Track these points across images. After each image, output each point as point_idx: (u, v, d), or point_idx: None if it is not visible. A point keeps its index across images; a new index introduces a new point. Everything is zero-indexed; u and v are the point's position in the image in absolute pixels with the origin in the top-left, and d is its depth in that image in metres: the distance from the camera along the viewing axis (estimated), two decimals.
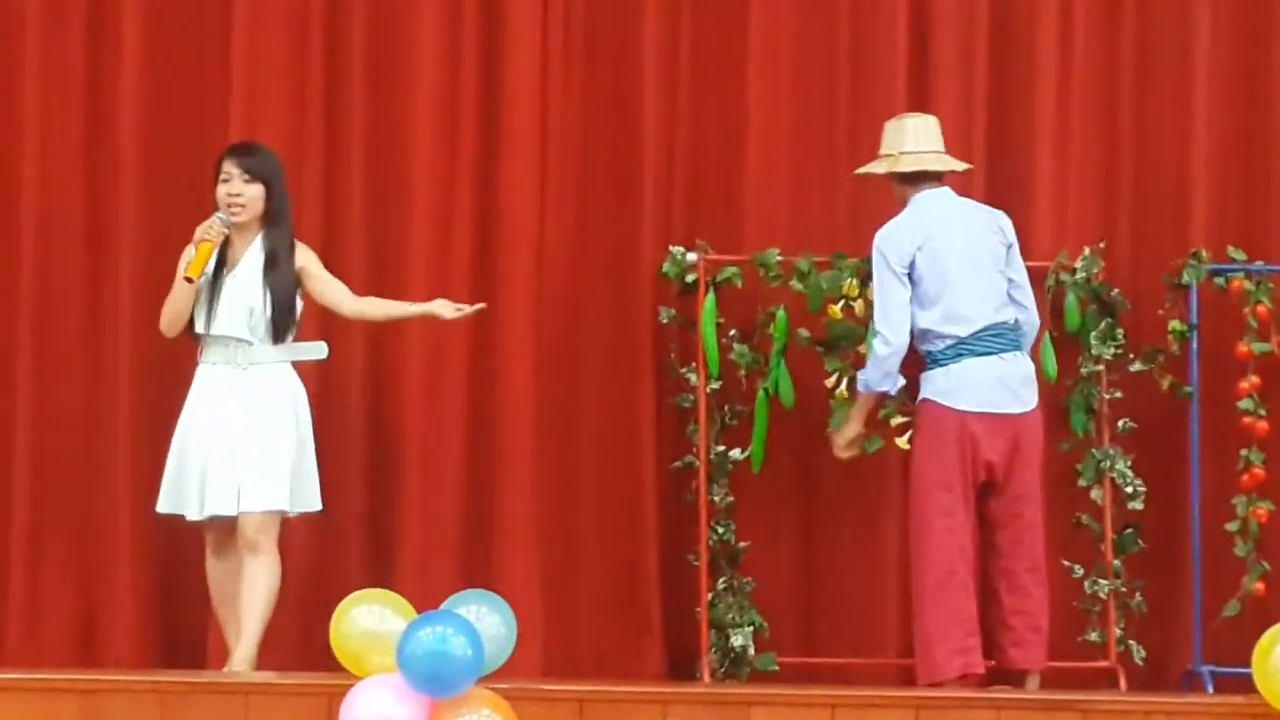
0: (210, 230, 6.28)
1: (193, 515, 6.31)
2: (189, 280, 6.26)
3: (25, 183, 6.94)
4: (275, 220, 6.38)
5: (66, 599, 6.86)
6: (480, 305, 6.45)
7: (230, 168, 6.36)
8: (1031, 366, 6.60)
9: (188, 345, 6.41)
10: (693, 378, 6.89)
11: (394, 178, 7.00)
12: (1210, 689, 6.69)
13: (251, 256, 6.36)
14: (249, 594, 6.29)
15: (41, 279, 6.92)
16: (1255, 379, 6.91)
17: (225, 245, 6.33)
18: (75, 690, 5.99)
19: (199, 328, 6.36)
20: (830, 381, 6.86)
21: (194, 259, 6.26)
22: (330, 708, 5.82)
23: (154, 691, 5.98)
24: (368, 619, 5.97)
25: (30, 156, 6.93)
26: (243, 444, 6.26)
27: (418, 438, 6.94)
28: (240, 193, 6.33)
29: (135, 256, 6.87)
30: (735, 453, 6.86)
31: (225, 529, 6.32)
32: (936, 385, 6.54)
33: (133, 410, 6.85)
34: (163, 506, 6.36)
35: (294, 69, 7.00)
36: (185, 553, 6.63)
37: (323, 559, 6.70)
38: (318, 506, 6.40)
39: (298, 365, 6.39)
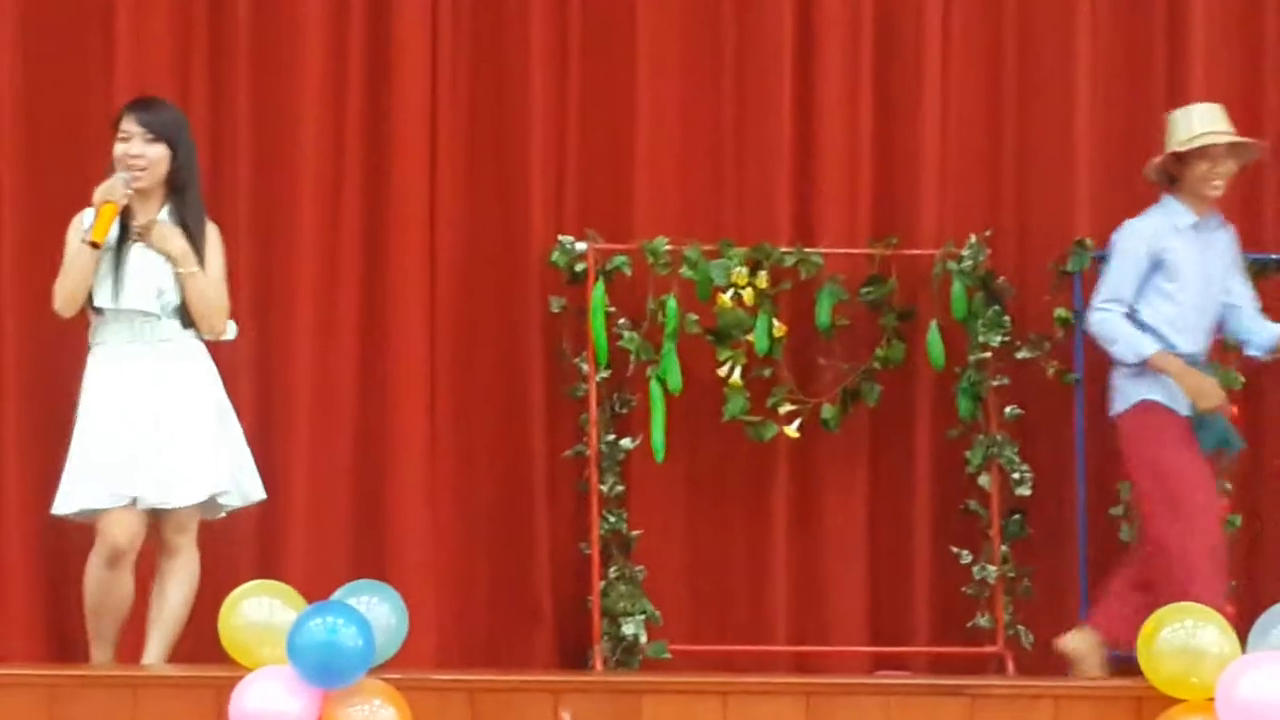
0: (112, 191, 5.92)
1: (99, 504, 5.97)
2: (94, 245, 5.87)
3: None
4: (183, 185, 6.03)
5: None
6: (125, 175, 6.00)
7: (130, 125, 5.99)
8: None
9: (72, 332, 6.19)
10: (583, 367, 6.89)
11: (280, 169, 6.94)
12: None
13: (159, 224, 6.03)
14: (164, 600, 6.09)
15: None
16: None
17: (126, 213, 5.95)
18: None
19: (101, 301, 5.97)
20: (723, 371, 6.88)
21: (96, 222, 5.87)
22: (220, 700, 5.80)
23: (44, 685, 5.95)
24: (257, 611, 5.95)
25: None
26: (165, 428, 5.98)
27: (306, 425, 6.90)
28: (141, 153, 5.97)
29: (16, 237, 6.74)
30: (626, 442, 6.87)
31: (129, 527, 6.01)
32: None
33: (19, 403, 6.75)
34: (63, 507, 6.04)
35: (179, 46, 6.90)
36: (77, 547, 6.57)
37: (211, 549, 6.64)
38: (261, 496, 6.20)
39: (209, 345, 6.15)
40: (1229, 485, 6.94)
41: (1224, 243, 6.62)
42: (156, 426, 6.01)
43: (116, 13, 6.88)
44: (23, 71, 6.87)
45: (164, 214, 6.06)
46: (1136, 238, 6.54)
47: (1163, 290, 6.51)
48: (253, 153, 6.95)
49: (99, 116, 6.53)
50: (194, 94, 6.89)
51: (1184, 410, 6.45)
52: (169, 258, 5.96)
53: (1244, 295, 6.65)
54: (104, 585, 6.08)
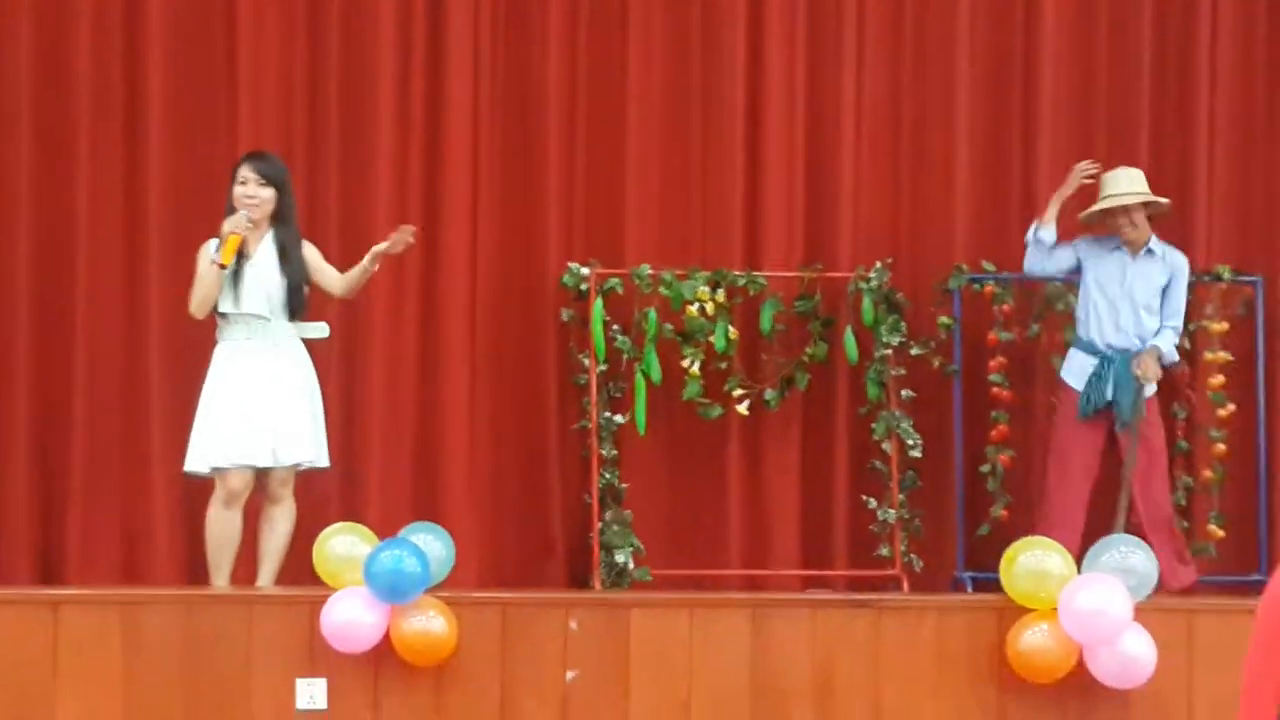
0: (237, 225, 5.89)
1: (221, 465, 5.96)
2: (222, 266, 5.84)
3: (77, 202, 6.80)
4: (284, 218, 6.00)
5: (113, 530, 6.78)
6: (409, 227, 6.13)
7: (247, 173, 5.97)
8: None
9: (201, 333, 6.19)
10: (586, 362, 6.89)
11: (360, 207, 6.90)
12: (970, 589, 6.72)
13: (265, 248, 6.03)
14: (272, 536, 6.07)
15: (92, 281, 6.80)
16: (1002, 359, 6.95)
17: (243, 243, 5.92)
18: (118, 603, 5.96)
19: (224, 308, 5.96)
20: (685, 363, 6.87)
21: (225, 248, 5.83)
22: (314, 614, 5.82)
23: (182, 602, 5.96)
24: (342, 546, 5.97)
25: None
26: (273, 406, 5.97)
27: (380, 405, 6.87)
28: (255, 195, 5.96)
29: (161, 258, 6.71)
30: (618, 418, 6.85)
31: (244, 481, 6.03)
32: None
33: (161, 385, 6.71)
34: (194, 466, 6.04)
35: (284, 93, 6.88)
36: (204, 497, 6.58)
37: (307, 499, 6.65)
38: (327, 463, 6.18)
39: (306, 342, 6.15)
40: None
41: (1149, 268, 6.55)
42: (266, 404, 6.01)
43: (239, 84, 6.86)
44: (170, 126, 6.83)
45: (269, 239, 6.04)
46: None
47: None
48: (340, 194, 6.91)
49: (223, 162, 6.54)
50: (296, 151, 6.86)
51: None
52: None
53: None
54: (220, 524, 6.07)
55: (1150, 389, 6.48)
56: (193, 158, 6.80)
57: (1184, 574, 6.51)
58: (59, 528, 6.76)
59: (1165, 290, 6.54)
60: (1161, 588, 6.16)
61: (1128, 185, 6.53)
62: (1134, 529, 6.39)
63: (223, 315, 6.03)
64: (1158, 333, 6.50)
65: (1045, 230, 6.56)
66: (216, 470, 6.04)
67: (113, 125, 6.83)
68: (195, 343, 6.32)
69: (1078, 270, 6.59)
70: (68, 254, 6.80)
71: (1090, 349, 6.53)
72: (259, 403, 5.98)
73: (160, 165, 6.80)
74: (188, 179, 6.78)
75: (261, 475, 6.09)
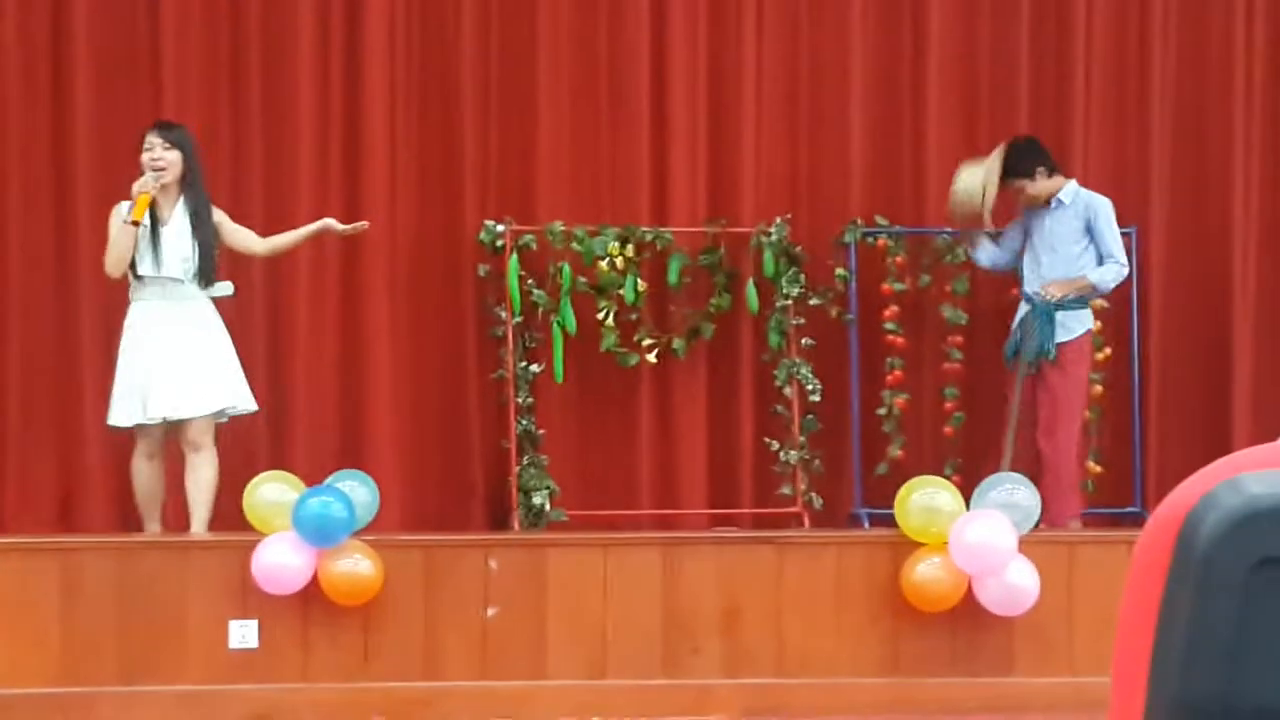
0: (145, 185, 5.89)
1: (139, 420, 6.00)
2: (134, 224, 5.85)
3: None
4: (193, 183, 6.02)
5: (49, 481, 6.73)
6: (363, 224, 6.23)
7: (153, 139, 5.99)
8: None
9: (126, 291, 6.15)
10: (502, 314, 6.88)
11: (283, 173, 6.86)
12: (867, 525, 6.77)
13: (178, 214, 6.04)
14: (197, 486, 6.05)
15: (23, 243, 6.73)
16: (895, 309, 6.99)
17: (154, 205, 5.93)
18: (55, 550, 5.92)
19: (143, 270, 5.97)
20: (601, 315, 6.88)
21: (135, 205, 5.84)
22: (245, 558, 5.81)
23: (117, 549, 5.93)
24: (270, 492, 5.96)
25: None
26: (185, 363, 5.98)
27: (304, 357, 6.83)
28: (161, 158, 5.96)
29: (92, 222, 6.62)
30: (534, 367, 6.85)
31: (161, 433, 6.06)
32: (1091, 318, 6.55)
33: (93, 344, 6.67)
34: (115, 420, 6.08)
35: (208, 72, 6.83)
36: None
37: (237, 448, 6.62)
38: (254, 406, 6.17)
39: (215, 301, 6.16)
40: (956, 390, 7.01)
41: (1064, 216, 6.61)
42: (179, 359, 6.00)
43: (163, 59, 6.79)
44: (96, 102, 6.77)
45: (180, 205, 6.06)
46: None
47: None
48: (263, 160, 6.86)
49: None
50: (219, 120, 6.83)
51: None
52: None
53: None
54: (143, 475, 6.14)
55: (1064, 334, 6.51)
56: (119, 128, 6.70)
57: (1069, 509, 6.56)
58: None
59: (1092, 235, 6.59)
60: (1049, 524, 6.27)
61: (966, 182, 6.56)
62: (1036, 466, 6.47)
63: (139, 277, 6.03)
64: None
65: (978, 253, 6.63)
66: (137, 425, 6.04)
67: (40, 111, 6.75)
68: (122, 301, 6.27)
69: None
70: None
71: (1027, 299, 6.60)
72: (172, 359, 5.98)
73: (87, 142, 6.73)
74: (114, 149, 6.68)
75: (182, 426, 6.07)
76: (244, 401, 6.16)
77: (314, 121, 6.88)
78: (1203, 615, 1.36)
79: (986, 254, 6.74)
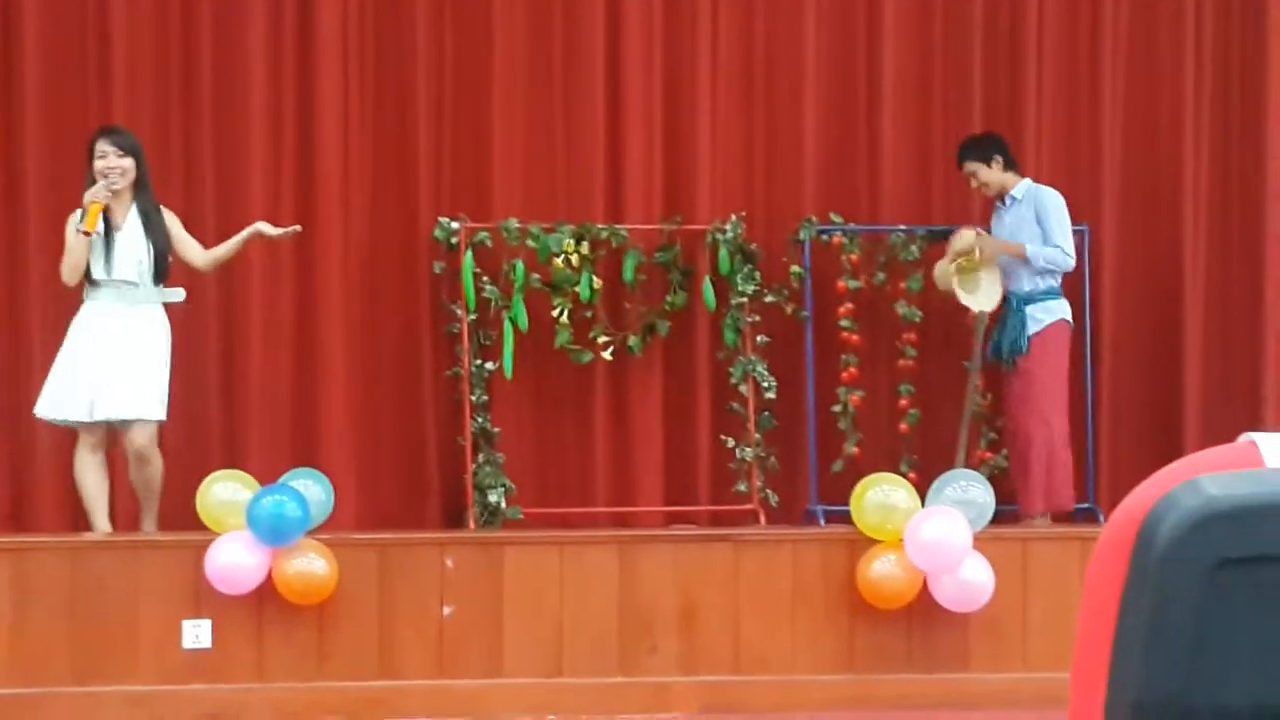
0: (97, 194, 5.89)
1: (81, 418, 5.96)
2: (86, 234, 5.85)
3: None
4: (144, 186, 6.04)
5: (1, 485, 6.68)
6: (296, 227, 6.22)
7: (105, 146, 5.99)
8: None
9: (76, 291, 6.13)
10: (458, 311, 6.87)
11: (235, 175, 6.83)
12: (823, 522, 6.77)
13: (131, 218, 6.05)
14: (146, 486, 6.05)
15: None
16: (850, 306, 7.00)
17: (107, 211, 5.96)
18: (7, 549, 5.87)
19: (96, 274, 5.97)
20: (556, 312, 6.88)
21: (88, 216, 5.84)
22: (198, 557, 5.78)
23: (69, 548, 5.88)
24: (224, 491, 5.93)
25: None
26: (135, 365, 5.95)
27: (259, 355, 6.80)
28: (116, 165, 5.97)
29: (41, 227, 6.60)
30: (489, 365, 6.84)
31: (104, 432, 6.04)
32: (1064, 309, 6.56)
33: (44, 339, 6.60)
34: (45, 411, 6.03)
35: (159, 71, 6.79)
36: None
37: (189, 448, 6.59)
38: (163, 416, 6.08)
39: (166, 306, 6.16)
40: (912, 387, 7.04)
41: (1017, 212, 6.66)
42: (125, 362, 5.98)
43: (113, 60, 6.74)
44: (45, 104, 6.73)
45: (133, 210, 6.06)
46: None
47: None
48: (214, 159, 6.82)
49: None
50: (172, 120, 6.79)
51: None
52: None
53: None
54: (86, 472, 6.08)
55: (1034, 326, 6.54)
56: (69, 130, 6.66)
57: (1049, 501, 6.55)
58: None
59: (1041, 227, 6.63)
60: (1024, 516, 6.33)
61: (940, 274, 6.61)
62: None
63: (93, 281, 6.02)
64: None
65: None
66: (80, 424, 6.01)
67: None
68: (71, 302, 6.24)
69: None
70: None
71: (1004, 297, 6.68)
72: (118, 361, 5.96)
73: (36, 144, 6.68)
74: (64, 151, 6.64)
75: (125, 427, 6.05)
76: (159, 410, 6.05)
77: (266, 119, 6.85)
78: (1162, 616, 1.37)
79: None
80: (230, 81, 6.84)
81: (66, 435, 6.44)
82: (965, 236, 6.61)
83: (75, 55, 6.77)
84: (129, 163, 6.03)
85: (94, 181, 5.99)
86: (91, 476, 6.08)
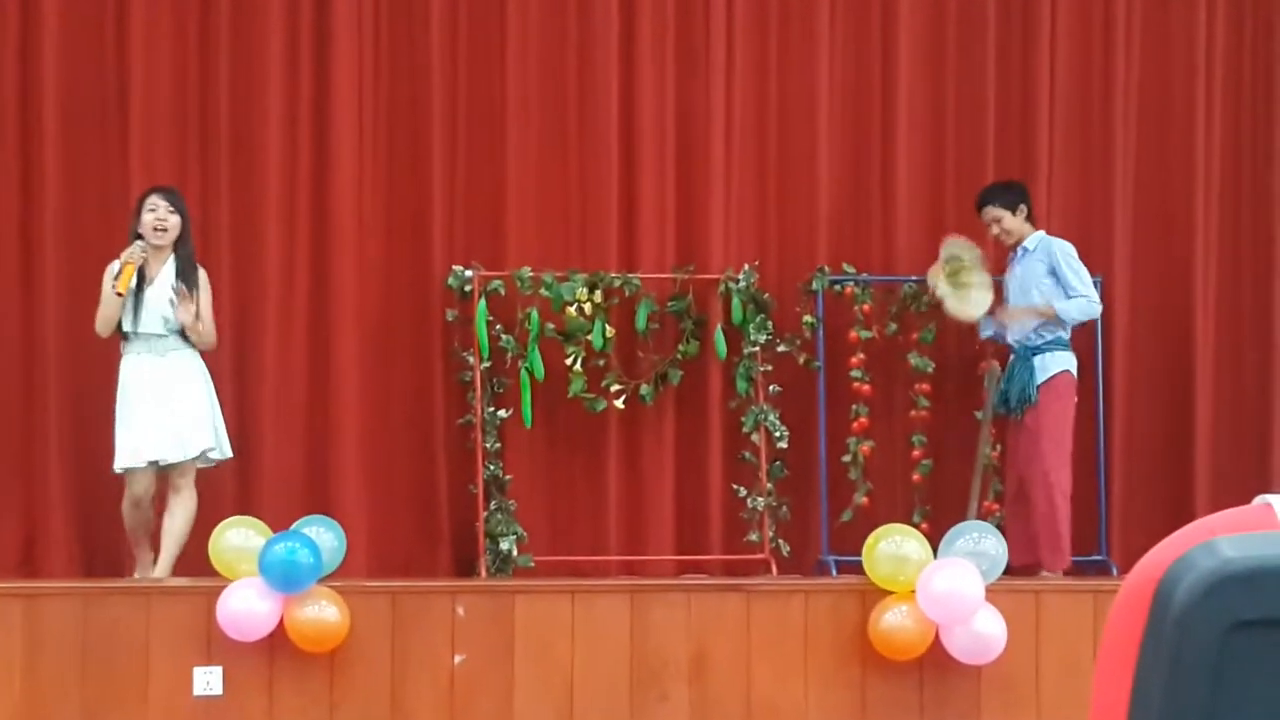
0: (133, 255, 6.10)
1: (129, 465, 6.12)
2: (119, 294, 6.07)
3: None
4: (184, 243, 6.24)
5: (14, 530, 6.70)
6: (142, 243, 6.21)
7: (157, 200, 6.20)
8: None
9: (93, 344, 6.29)
10: (471, 359, 6.88)
11: (252, 224, 6.87)
12: (834, 572, 6.77)
13: (165, 271, 6.21)
14: (172, 523, 6.15)
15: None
16: (862, 356, 7.01)
17: (142, 267, 6.15)
18: (20, 595, 5.88)
19: (125, 327, 6.17)
20: (569, 360, 6.89)
21: (121, 276, 6.06)
22: (210, 603, 5.77)
23: (81, 594, 5.88)
24: (236, 538, 5.93)
25: None
26: (168, 410, 6.11)
27: (272, 403, 6.82)
28: (166, 220, 6.18)
29: (58, 281, 6.69)
30: (502, 412, 6.84)
31: (150, 477, 6.18)
32: (1070, 360, 6.54)
33: (60, 393, 6.71)
34: (120, 462, 6.15)
35: (176, 123, 6.84)
36: (101, 494, 6.53)
37: (204, 494, 6.59)
38: (230, 454, 6.31)
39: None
40: (924, 437, 7.05)
41: (1029, 263, 6.66)
42: (162, 408, 6.12)
43: (131, 110, 6.80)
44: (64, 155, 6.78)
45: (171, 261, 6.23)
46: None
47: None
48: (230, 205, 6.86)
49: (120, 188, 6.60)
50: (190, 171, 6.84)
51: None
52: (184, 324, 6.19)
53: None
54: (131, 515, 6.25)
55: (1041, 375, 6.54)
56: (87, 181, 6.75)
57: (1060, 559, 6.50)
58: None
59: (1058, 278, 6.62)
60: (1016, 570, 6.29)
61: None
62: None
63: (124, 334, 6.21)
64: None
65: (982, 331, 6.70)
66: (126, 470, 6.17)
67: (7, 144, 6.76)
68: (89, 352, 6.40)
69: None
70: None
71: (1010, 348, 6.66)
72: (158, 408, 6.12)
73: (56, 193, 6.74)
74: (81, 201, 6.73)
75: (166, 470, 6.20)
76: (222, 448, 6.29)
77: (281, 167, 6.89)
78: (1177, 678, 1.37)
79: (988, 326, 6.78)
80: (247, 130, 6.89)
81: (80, 485, 6.53)
82: (955, 244, 6.61)
83: (95, 107, 6.82)
84: (176, 220, 6.22)
85: (138, 236, 6.19)
86: (133, 519, 6.25)
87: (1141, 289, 7.25)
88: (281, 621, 5.70)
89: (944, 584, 5.84)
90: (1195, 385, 7.18)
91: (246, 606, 5.68)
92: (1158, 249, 7.29)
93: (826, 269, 7.05)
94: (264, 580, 5.69)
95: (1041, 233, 6.75)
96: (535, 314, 6.83)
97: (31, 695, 5.70)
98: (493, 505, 6.78)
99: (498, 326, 6.86)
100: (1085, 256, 6.83)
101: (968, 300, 6.59)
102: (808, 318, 7.02)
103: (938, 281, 6.59)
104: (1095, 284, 6.94)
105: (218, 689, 5.73)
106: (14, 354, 6.74)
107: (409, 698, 5.83)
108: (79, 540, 6.65)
